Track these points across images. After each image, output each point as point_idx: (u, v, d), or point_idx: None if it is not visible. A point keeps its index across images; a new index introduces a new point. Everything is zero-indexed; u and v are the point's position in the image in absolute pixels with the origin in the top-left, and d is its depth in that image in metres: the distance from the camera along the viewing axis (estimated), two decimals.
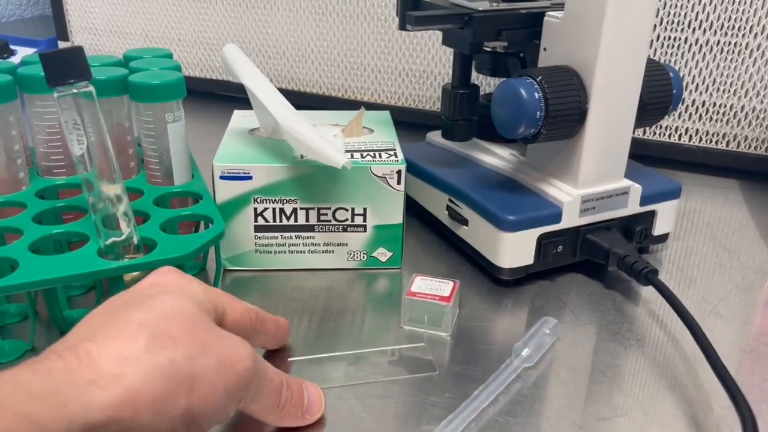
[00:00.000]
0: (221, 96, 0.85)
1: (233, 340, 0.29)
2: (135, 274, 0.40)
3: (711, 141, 0.67)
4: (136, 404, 0.25)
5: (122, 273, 0.38)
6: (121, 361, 0.26)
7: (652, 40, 0.65)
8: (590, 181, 0.47)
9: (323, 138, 0.45)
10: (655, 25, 0.64)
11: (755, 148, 0.66)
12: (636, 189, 0.48)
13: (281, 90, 0.50)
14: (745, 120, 0.65)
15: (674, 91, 0.48)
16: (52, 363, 0.25)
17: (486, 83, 0.72)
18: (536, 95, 0.42)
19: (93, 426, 0.24)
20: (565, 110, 0.43)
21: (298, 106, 0.50)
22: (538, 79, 0.43)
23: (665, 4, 0.64)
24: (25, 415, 0.23)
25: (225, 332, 0.30)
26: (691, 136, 0.68)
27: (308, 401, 0.34)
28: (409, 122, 0.71)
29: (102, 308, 0.29)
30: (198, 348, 0.27)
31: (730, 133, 0.67)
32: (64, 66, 0.33)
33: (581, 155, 0.45)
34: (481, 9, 0.46)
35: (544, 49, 0.46)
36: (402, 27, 0.48)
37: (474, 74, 0.52)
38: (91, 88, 0.36)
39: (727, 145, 0.67)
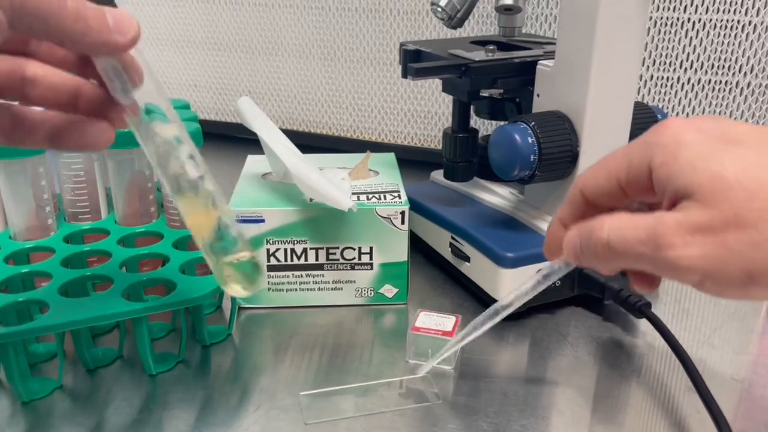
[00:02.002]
0: (234, 138, 0.88)
1: None
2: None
3: None
4: None
5: (144, 314, 0.41)
6: None
7: (645, 80, 0.68)
8: None
9: (330, 182, 0.48)
10: (648, 66, 0.67)
11: None
12: None
13: (293, 131, 0.53)
14: None
15: None
16: None
17: (488, 124, 0.75)
18: (530, 140, 0.45)
19: None
20: (557, 153, 0.46)
21: (310, 146, 0.53)
22: (531, 125, 0.45)
23: (657, 46, 0.67)
24: None
25: None
26: None
27: (113, 17, 0.27)
28: (413, 160, 0.74)
29: None
30: None
31: None
32: None
33: None
34: (477, 59, 0.49)
35: (538, 95, 0.49)
36: (404, 76, 0.51)
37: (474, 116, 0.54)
38: None
39: None
